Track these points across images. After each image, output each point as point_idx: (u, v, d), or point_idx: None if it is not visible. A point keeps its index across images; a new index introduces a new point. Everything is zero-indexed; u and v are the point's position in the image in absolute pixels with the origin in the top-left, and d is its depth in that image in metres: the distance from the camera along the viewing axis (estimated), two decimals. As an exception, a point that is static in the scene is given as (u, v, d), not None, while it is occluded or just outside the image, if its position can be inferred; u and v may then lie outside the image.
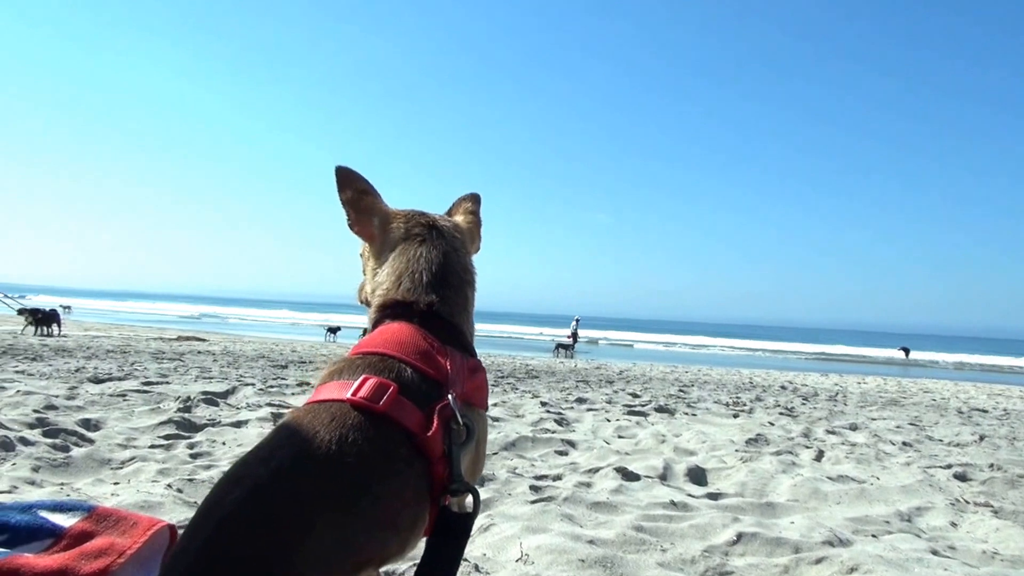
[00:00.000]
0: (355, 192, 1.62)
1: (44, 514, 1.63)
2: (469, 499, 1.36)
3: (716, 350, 41.02)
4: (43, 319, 16.47)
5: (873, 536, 2.77)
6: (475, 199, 1.81)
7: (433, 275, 1.53)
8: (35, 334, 15.56)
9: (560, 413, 5.90)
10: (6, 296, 17.59)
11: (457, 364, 1.40)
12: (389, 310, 1.52)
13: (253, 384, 6.68)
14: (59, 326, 16.84)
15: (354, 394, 1.28)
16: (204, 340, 16.25)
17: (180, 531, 1.46)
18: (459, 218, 1.73)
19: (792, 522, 2.90)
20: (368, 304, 1.66)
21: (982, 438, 5.85)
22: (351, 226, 1.64)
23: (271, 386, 6.65)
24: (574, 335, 25.01)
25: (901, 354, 41.35)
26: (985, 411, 8.72)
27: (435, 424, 1.29)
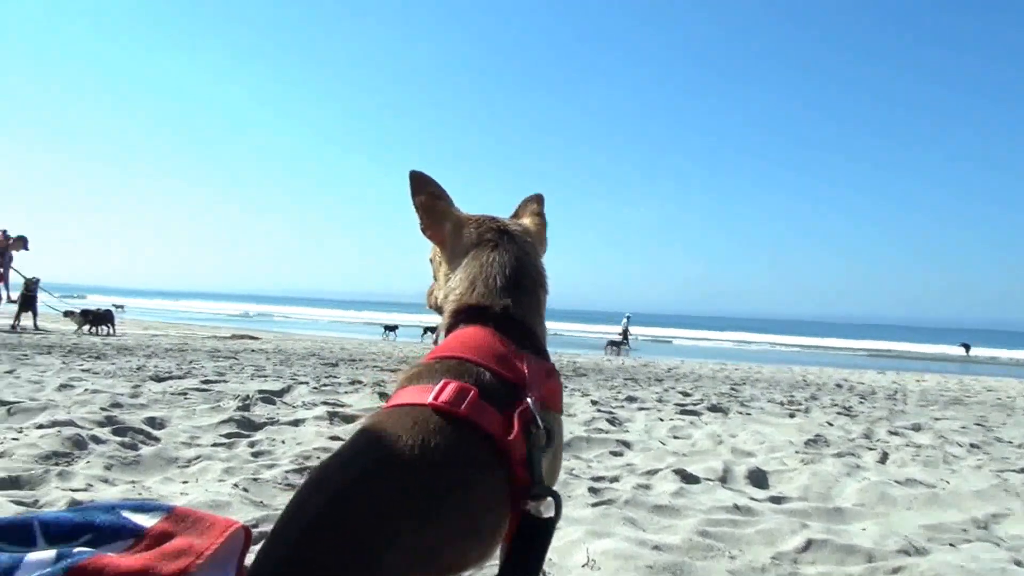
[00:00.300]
0: (428, 197, 1.63)
1: (126, 514, 1.66)
2: (549, 503, 1.34)
3: (763, 347, 40.40)
4: (96, 319, 16.62)
5: (951, 545, 2.68)
6: (539, 200, 1.81)
7: (507, 279, 1.53)
8: (88, 334, 15.87)
9: (611, 412, 5.85)
10: (60, 298, 17.90)
11: (533, 367, 1.39)
12: (464, 315, 1.52)
13: (307, 383, 6.77)
14: (113, 326, 17.02)
15: (435, 398, 1.27)
16: (257, 338, 16.53)
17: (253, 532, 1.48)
18: (527, 220, 1.73)
19: (863, 528, 2.82)
20: (439, 309, 1.66)
21: (1053, 440, 5.63)
22: (423, 230, 1.65)
23: (324, 384, 6.73)
24: (625, 332, 24.75)
25: (961, 350, 40.13)
26: (1055, 411, 8.41)
27: (516, 428, 1.28)
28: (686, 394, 7.98)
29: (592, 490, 3.16)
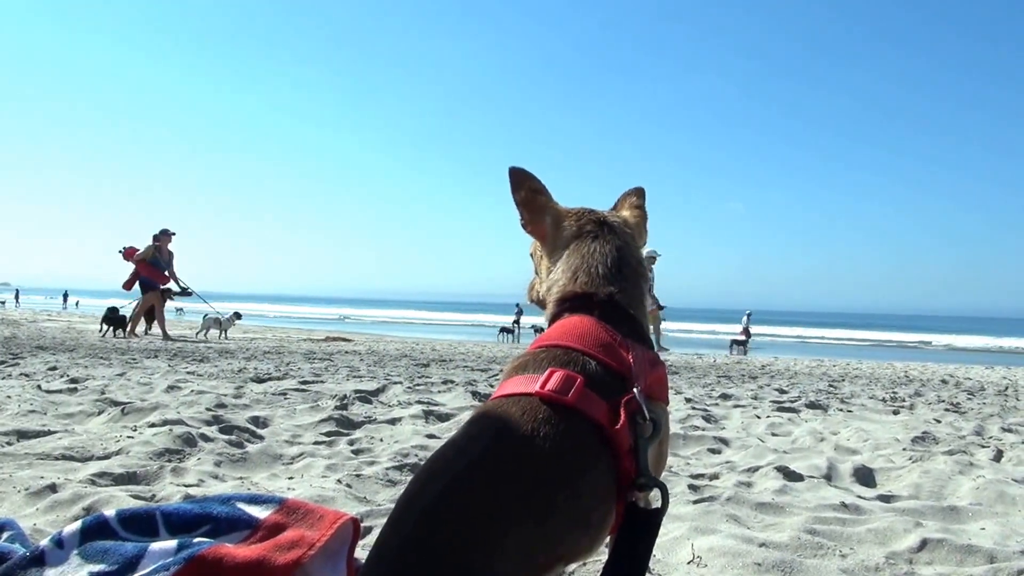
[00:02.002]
0: (529, 192, 1.66)
1: (241, 506, 1.74)
2: (655, 495, 1.33)
3: (861, 343, 38.86)
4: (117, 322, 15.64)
5: None
6: (640, 193, 1.83)
7: (608, 268, 1.54)
8: (219, 339, 15.88)
9: (706, 410, 5.74)
10: (204, 302, 18.07)
11: (638, 356, 1.39)
12: (568, 303, 1.53)
13: (401, 383, 6.89)
14: (225, 332, 16.91)
15: (541, 387, 1.28)
16: (350, 340, 16.94)
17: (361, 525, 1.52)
18: (626, 213, 1.75)
19: (982, 528, 2.67)
20: (541, 303, 1.68)
21: None
22: (524, 226, 1.68)
23: (417, 384, 6.85)
24: (747, 330, 24.00)
25: None
26: None
27: (622, 417, 1.28)
28: (782, 391, 7.75)
29: (692, 487, 3.11)
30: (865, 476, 3.58)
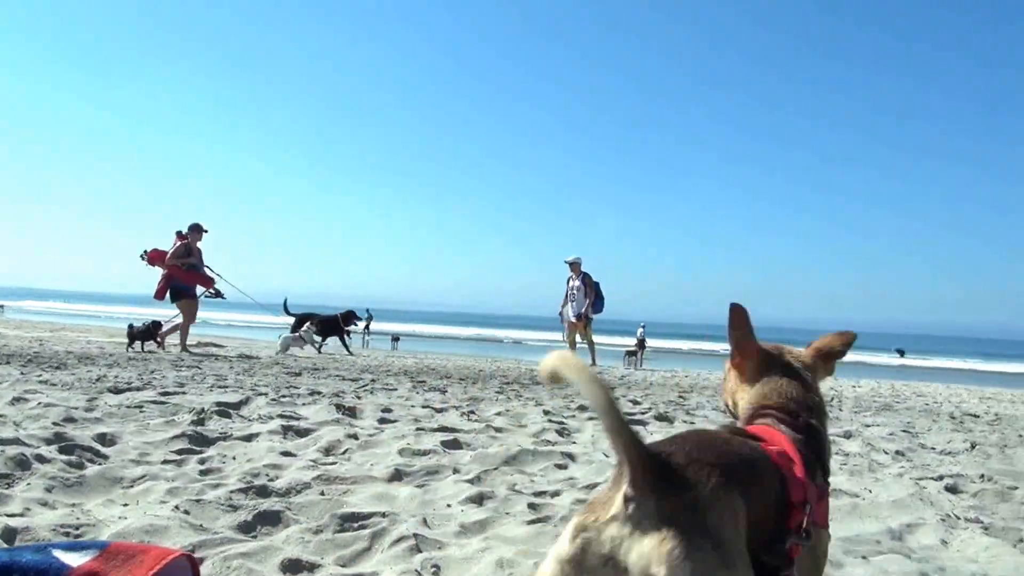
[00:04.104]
0: (744, 334, 1.88)
1: (58, 554, 1.68)
2: None
3: (715, 354, 40.97)
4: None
5: (863, 558, 2.84)
6: (845, 339, 2.02)
7: (796, 401, 1.79)
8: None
9: (562, 422, 5.94)
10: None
11: (813, 491, 1.55)
12: (773, 411, 1.76)
13: (266, 393, 6.74)
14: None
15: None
16: (221, 346, 16.19)
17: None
18: (808, 351, 1.99)
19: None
20: (732, 408, 1.99)
21: (973, 446, 5.90)
22: (734, 362, 1.94)
23: (283, 396, 6.70)
24: (641, 342, 24.83)
25: (896, 356, 41.57)
26: (976, 416, 8.78)
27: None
28: (636, 402, 8.08)
29: (532, 506, 3.26)
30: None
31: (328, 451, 4.40)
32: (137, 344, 13.07)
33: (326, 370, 10.45)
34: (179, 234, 13.40)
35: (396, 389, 8.05)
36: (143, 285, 14.67)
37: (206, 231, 13.67)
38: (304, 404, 6.21)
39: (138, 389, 6.58)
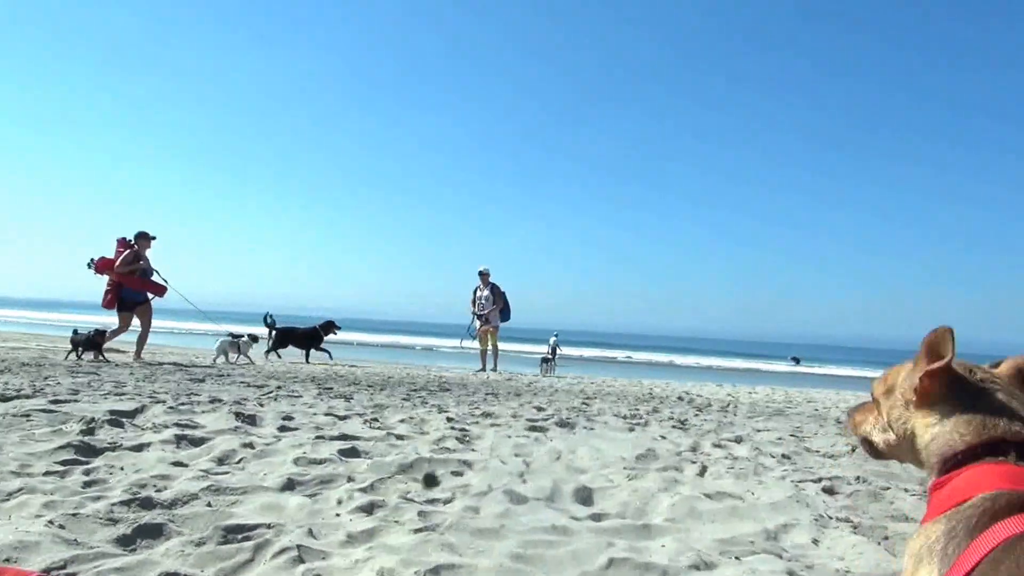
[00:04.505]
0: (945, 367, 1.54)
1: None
2: None
3: (617, 361, 41.88)
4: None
5: (737, 558, 2.98)
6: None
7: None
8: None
9: (465, 429, 5.99)
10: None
11: None
12: (980, 449, 1.43)
13: (165, 401, 6.51)
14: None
15: None
16: (123, 352, 15.47)
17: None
18: (1004, 368, 1.62)
19: (663, 545, 3.08)
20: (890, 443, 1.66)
21: (854, 449, 6.21)
22: (922, 385, 1.56)
23: (182, 404, 6.48)
24: (553, 349, 25.42)
25: (792, 364, 43.63)
26: (862, 421, 9.27)
27: None
28: (540, 408, 8.20)
29: (421, 514, 3.29)
30: (584, 496, 3.96)
31: (221, 460, 4.30)
32: (77, 353, 12.53)
33: (230, 376, 10.18)
34: (121, 241, 12.96)
35: (301, 396, 7.92)
36: (91, 293, 14.03)
37: (154, 238, 13.34)
38: (203, 412, 6.04)
39: (28, 396, 6.27)
